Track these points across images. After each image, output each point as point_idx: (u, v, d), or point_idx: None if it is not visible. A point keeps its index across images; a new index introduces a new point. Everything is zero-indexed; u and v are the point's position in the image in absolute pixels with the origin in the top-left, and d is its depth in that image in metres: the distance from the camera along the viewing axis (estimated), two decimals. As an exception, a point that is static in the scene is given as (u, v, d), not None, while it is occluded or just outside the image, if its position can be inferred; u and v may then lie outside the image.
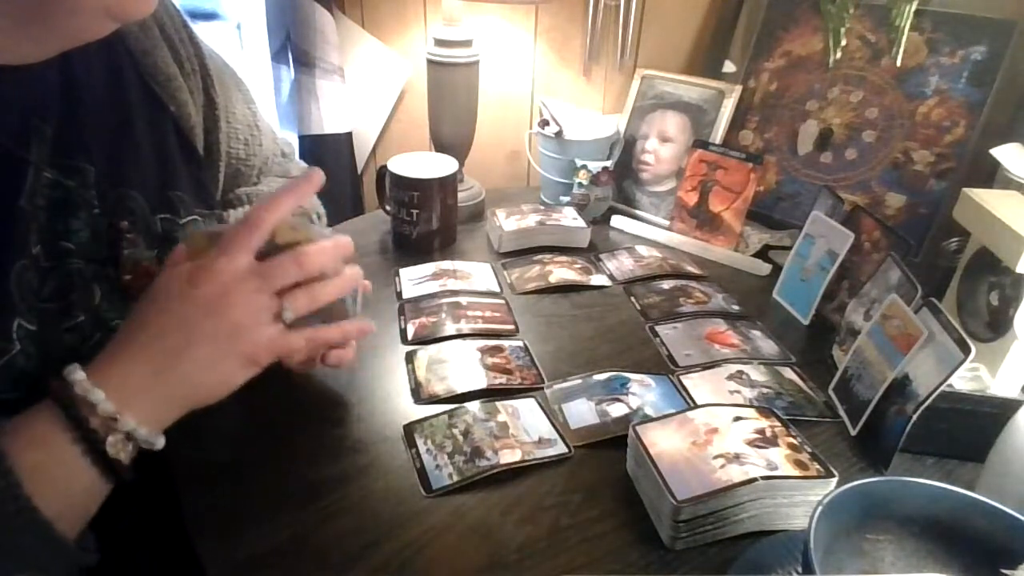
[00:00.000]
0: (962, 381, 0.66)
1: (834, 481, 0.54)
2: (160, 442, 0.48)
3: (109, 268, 0.54)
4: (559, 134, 1.05)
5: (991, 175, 0.82)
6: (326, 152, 1.18)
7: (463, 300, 0.84)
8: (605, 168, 1.05)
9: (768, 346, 0.79)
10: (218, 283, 0.49)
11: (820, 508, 0.40)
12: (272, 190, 0.78)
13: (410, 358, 0.74)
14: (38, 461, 0.43)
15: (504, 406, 0.67)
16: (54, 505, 0.42)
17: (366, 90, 1.20)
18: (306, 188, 0.54)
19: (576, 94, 1.24)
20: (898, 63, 0.94)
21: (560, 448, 0.63)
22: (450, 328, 0.78)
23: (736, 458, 0.56)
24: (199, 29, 0.67)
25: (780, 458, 0.56)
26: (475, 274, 0.91)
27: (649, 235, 1.06)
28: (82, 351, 0.51)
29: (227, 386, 0.51)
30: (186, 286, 0.49)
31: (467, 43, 1.00)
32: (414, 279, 0.89)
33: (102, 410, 0.45)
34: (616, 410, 0.67)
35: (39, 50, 0.49)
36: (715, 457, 0.56)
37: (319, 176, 0.54)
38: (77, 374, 0.45)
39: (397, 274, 0.91)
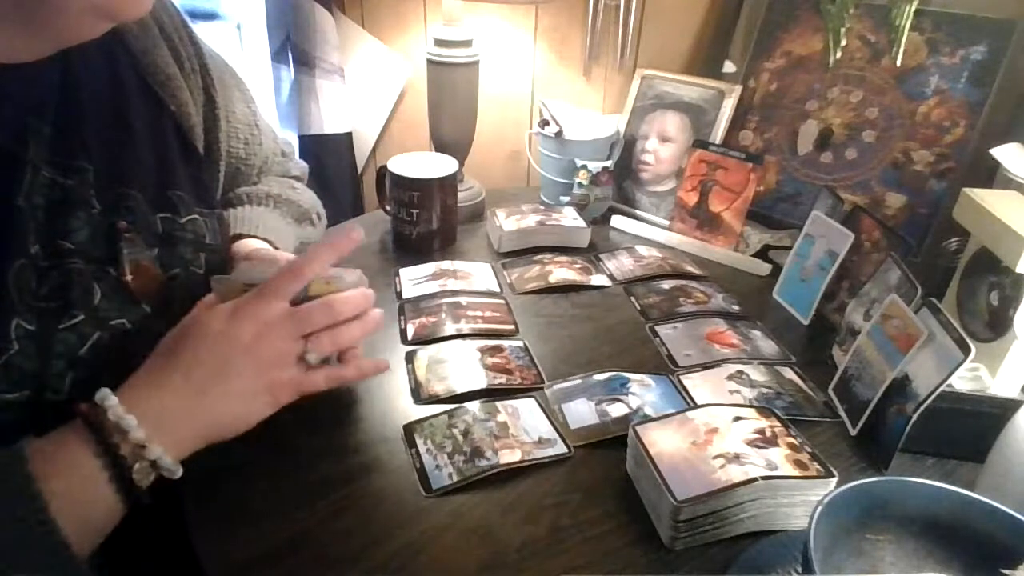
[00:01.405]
0: (962, 381, 0.66)
1: (834, 481, 0.54)
2: (179, 472, 0.49)
3: (108, 267, 0.54)
4: (559, 134, 1.05)
5: (991, 175, 0.82)
6: (326, 152, 1.17)
7: (463, 300, 0.84)
8: (605, 168, 1.05)
9: (768, 346, 0.79)
10: (256, 324, 0.52)
11: (820, 508, 0.40)
12: (291, 196, 0.81)
13: (410, 358, 0.74)
14: (65, 485, 0.43)
15: (504, 406, 0.67)
16: (74, 527, 0.43)
17: (366, 90, 1.20)
18: (345, 245, 0.57)
19: (576, 94, 1.24)
20: (898, 63, 0.94)
21: (560, 448, 0.63)
22: (450, 328, 0.78)
23: (736, 458, 0.56)
24: (199, 29, 0.67)
25: (780, 458, 0.56)
26: (475, 274, 0.91)
27: (649, 235, 1.06)
28: (81, 351, 0.51)
29: (248, 421, 0.53)
30: (226, 324, 0.51)
31: (467, 43, 1.00)
32: (414, 279, 0.89)
33: (133, 437, 0.46)
34: (616, 410, 0.67)
35: (31, 49, 0.49)
36: (715, 457, 0.56)
37: (359, 234, 0.58)
38: (110, 399, 0.46)
39: (397, 274, 0.91)
